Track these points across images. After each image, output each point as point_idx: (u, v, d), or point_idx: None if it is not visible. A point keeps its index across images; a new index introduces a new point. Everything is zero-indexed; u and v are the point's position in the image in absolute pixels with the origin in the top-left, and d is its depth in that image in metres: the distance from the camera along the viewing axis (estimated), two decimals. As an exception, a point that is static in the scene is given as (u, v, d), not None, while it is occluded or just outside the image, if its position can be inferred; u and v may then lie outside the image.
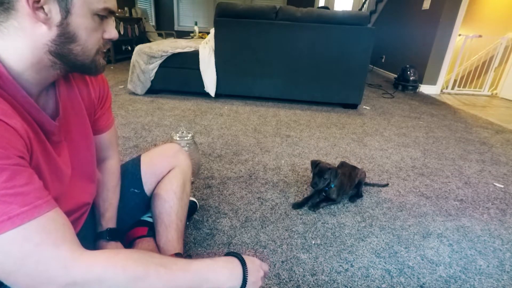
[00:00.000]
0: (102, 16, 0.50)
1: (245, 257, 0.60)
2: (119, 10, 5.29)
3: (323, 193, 1.33)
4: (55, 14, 0.44)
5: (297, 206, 1.31)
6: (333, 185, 1.28)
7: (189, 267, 0.53)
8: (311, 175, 1.30)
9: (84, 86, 0.64)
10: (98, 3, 0.48)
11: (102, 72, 0.57)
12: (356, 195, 1.41)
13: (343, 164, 1.43)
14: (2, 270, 0.40)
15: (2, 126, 0.40)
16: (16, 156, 0.41)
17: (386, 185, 1.55)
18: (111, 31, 0.53)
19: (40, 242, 0.41)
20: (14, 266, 0.40)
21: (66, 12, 0.45)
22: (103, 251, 0.47)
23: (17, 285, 0.41)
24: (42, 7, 0.43)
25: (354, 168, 1.43)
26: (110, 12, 0.51)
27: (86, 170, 0.68)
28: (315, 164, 1.29)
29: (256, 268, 0.60)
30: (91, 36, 0.49)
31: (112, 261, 0.46)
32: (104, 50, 0.55)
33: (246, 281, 0.56)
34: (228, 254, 0.61)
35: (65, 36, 0.47)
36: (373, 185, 1.54)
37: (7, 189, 0.39)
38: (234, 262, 0.58)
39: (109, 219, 0.77)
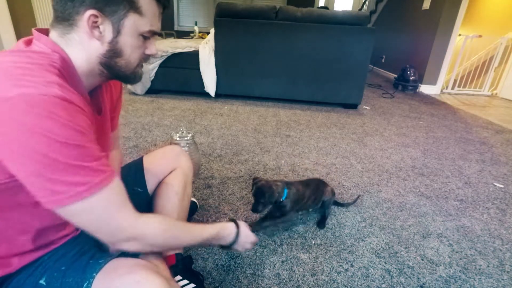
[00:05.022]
0: (146, 36, 0.57)
1: (240, 223, 0.82)
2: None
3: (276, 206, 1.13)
4: (108, 33, 0.52)
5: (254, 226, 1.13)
6: (284, 197, 1.08)
7: (205, 229, 0.72)
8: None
9: (109, 89, 0.72)
10: (145, 26, 0.55)
11: (140, 81, 0.64)
12: (321, 220, 1.23)
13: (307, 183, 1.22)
14: (91, 225, 0.51)
15: (84, 114, 0.49)
16: (94, 137, 0.50)
17: (357, 198, 1.40)
18: (152, 48, 0.60)
19: (116, 203, 0.52)
20: (100, 222, 0.51)
21: (117, 32, 0.53)
22: (153, 216, 0.62)
23: (100, 234, 0.53)
24: (98, 27, 0.51)
25: (323, 183, 1.27)
26: (154, 33, 0.58)
27: None
28: (253, 183, 1.08)
29: (247, 233, 0.82)
30: (134, 52, 0.57)
31: (157, 220, 0.61)
32: (144, 63, 0.63)
33: (237, 238, 0.78)
34: (230, 220, 0.82)
35: (113, 52, 0.54)
36: (344, 204, 1.35)
37: (95, 161, 0.49)
38: (233, 225, 0.80)
39: None
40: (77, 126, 0.46)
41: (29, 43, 0.52)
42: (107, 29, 0.52)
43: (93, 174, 0.48)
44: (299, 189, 1.14)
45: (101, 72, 0.56)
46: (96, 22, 0.50)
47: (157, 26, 0.57)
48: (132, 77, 0.61)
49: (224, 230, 0.77)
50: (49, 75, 0.46)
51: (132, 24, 0.53)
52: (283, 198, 1.09)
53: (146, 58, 0.61)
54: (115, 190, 0.52)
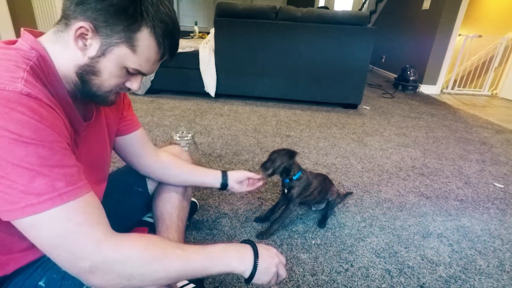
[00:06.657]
0: (130, 72, 0.54)
1: (259, 245, 0.63)
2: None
3: (285, 189, 1.15)
4: (93, 49, 0.50)
5: (260, 220, 1.21)
6: (296, 177, 1.11)
7: (202, 250, 0.57)
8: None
9: None
10: (133, 63, 0.52)
11: (108, 105, 0.60)
12: (322, 219, 1.24)
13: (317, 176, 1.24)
14: (48, 244, 0.44)
15: (54, 114, 0.45)
16: (65, 141, 0.46)
17: (350, 193, 1.44)
18: (133, 84, 0.57)
19: (80, 222, 0.45)
20: (57, 241, 0.44)
21: (102, 53, 0.50)
22: (130, 234, 0.51)
23: (58, 258, 0.45)
24: (86, 39, 0.49)
25: (330, 181, 1.28)
26: (140, 73, 0.55)
27: (97, 173, 0.69)
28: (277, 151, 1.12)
29: (270, 255, 0.62)
30: (111, 79, 0.53)
31: (136, 242, 0.50)
32: (120, 92, 0.59)
33: (257, 266, 0.59)
34: (243, 241, 0.64)
35: (91, 68, 0.51)
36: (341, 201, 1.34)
37: (60, 168, 0.43)
38: (246, 248, 0.61)
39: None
40: (41, 124, 0.42)
41: (14, 42, 0.50)
42: (93, 46, 0.49)
43: (54, 183, 0.42)
44: (309, 177, 1.16)
45: (76, 83, 0.53)
46: (86, 34, 0.48)
47: (146, 69, 0.54)
48: (101, 99, 0.56)
49: (228, 251, 0.59)
50: (18, 71, 0.43)
51: (120, 55, 0.50)
52: (295, 178, 1.11)
53: (124, 88, 0.57)
54: (84, 206, 0.46)
